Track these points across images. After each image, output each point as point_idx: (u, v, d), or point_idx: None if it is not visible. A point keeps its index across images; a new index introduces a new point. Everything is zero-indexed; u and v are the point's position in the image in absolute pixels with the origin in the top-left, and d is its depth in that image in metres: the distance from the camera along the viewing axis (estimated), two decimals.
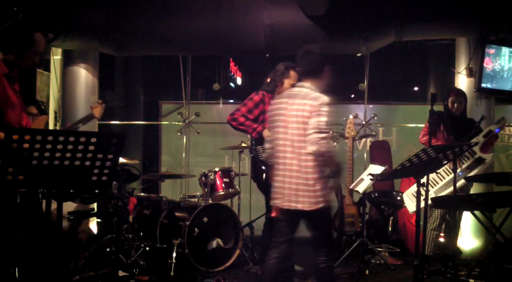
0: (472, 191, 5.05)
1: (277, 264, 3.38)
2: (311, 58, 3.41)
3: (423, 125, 5.19)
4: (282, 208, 3.34)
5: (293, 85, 4.17)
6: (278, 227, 3.44)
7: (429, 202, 4.17)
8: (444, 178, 4.77)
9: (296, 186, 3.29)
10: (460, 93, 5.02)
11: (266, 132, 4.21)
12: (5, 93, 3.11)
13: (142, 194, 5.63)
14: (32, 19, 4.86)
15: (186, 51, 6.77)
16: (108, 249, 4.82)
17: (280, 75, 4.38)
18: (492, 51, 5.62)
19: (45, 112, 3.54)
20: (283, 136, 3.34)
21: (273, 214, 3.44)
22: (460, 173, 4.67)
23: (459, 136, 4.83)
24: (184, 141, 7.21)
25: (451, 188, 4.63)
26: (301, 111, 3.25)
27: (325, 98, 3.24)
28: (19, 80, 3.34)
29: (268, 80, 4.50)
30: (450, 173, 4.67)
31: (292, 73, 4.30)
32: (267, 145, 3.63)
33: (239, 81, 9.76)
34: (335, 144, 4.74)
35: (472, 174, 4.66)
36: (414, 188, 4.61)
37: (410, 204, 4.84)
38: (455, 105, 4.90)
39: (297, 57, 3.49)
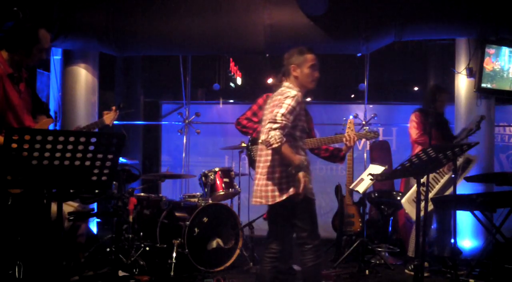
0: (472, 191, 5.05)
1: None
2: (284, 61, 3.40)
3: None
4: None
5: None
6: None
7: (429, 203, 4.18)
8: (439, 181, 4.79)
9: (258, 180, 3.35)
10: (445, 90, 5.19)
11: None
12: (4, 94, 3.11)
13: (142, 194, 5.61)
14: (34, 18, 4.84)
15: (186, 51, 6.77)
16: (108, 249, 4.82)
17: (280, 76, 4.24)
18: (492, 51, 5.62)
19: (51, 115, 3.52)
20: None
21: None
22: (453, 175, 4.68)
23: (445, 134, 4.95)
24: (184, 140, 7.21)
25: (449, 190, 4.66)
26: (273, 107, 3.24)
27: (291, 93, 3.22)
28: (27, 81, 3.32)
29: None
30: (444, 175, 4.75)
31: None
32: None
33: (239, 81, 9.77)
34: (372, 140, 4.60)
35: (464, 174, 4.71)
36: (411, 193, 4.61)
37: (411, 211, 4.63)
38: (444, 103, 5.02)
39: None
